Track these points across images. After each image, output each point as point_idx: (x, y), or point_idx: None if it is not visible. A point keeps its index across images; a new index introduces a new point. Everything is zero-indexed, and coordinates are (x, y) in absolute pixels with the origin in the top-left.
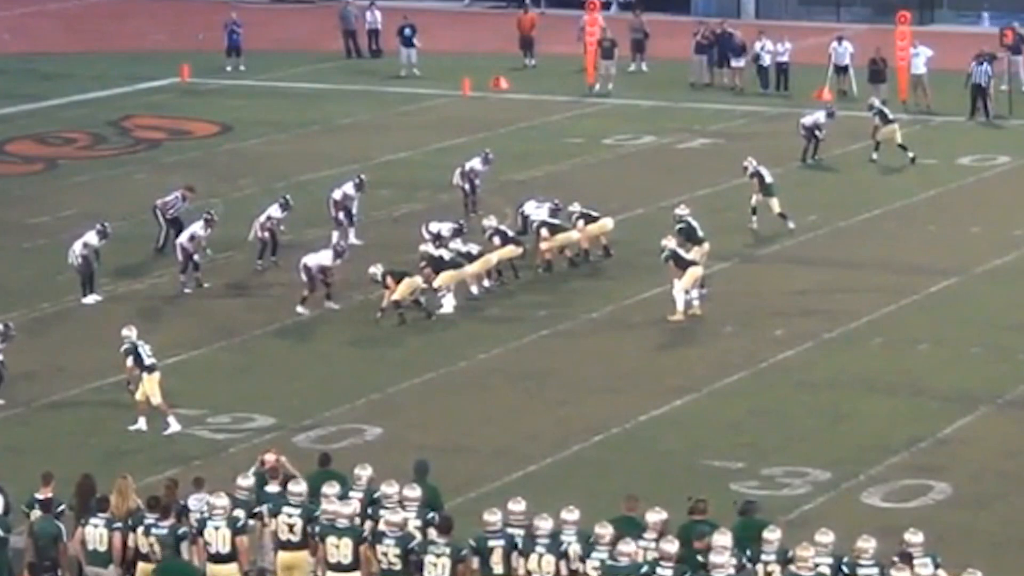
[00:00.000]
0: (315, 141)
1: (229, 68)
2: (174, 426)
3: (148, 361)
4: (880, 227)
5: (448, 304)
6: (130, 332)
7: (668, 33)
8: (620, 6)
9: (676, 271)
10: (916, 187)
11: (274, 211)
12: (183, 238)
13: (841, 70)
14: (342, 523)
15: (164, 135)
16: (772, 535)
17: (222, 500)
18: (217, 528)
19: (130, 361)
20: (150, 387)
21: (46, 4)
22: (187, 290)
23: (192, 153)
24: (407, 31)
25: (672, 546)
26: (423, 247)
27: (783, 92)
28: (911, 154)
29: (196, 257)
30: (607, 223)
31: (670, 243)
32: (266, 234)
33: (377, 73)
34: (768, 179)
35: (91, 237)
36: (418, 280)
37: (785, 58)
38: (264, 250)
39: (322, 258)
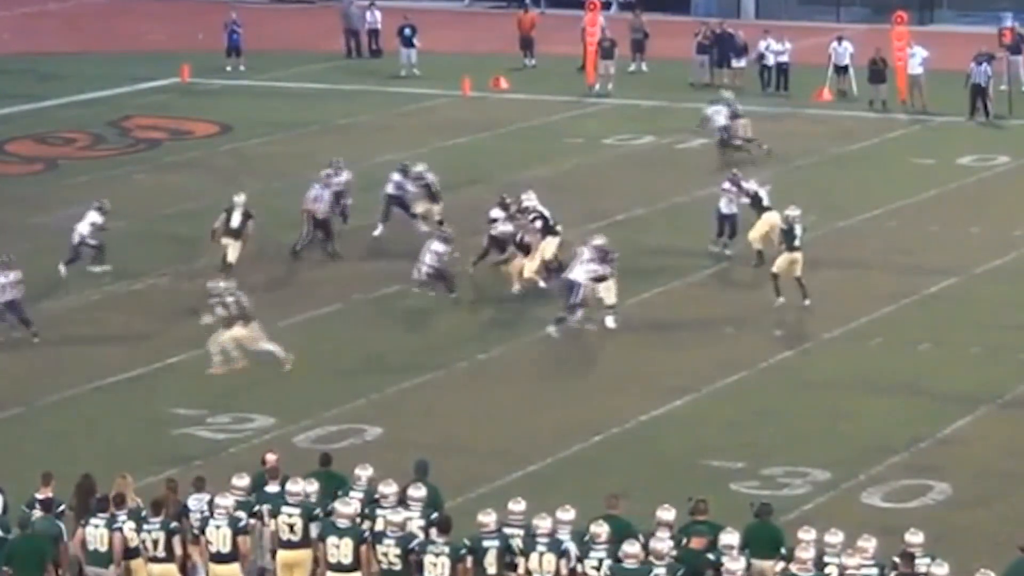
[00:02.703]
0: (315, 141)
1: (229, 68)
2: None
3: None
4: (880, 227)
5: (611, 321)
6: None
7: (668, 33)
8: (620, 6)
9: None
10: (916, 187)
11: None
12: (83, 228)
13: (841, 70)
14: (343, 523)
15: (164, 135)
16: (835, 539)
17: (226, 500)
18: (219, 527)
19: None
20: None
21: (46, 4)
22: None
23: (192, 153)
24: (407, 31)
25: (664, 544)
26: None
27: (783, 92)
28: (758, 145)
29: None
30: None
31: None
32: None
33: (377, 73)
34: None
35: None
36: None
37: (785, 58)
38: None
39: (435, 247)
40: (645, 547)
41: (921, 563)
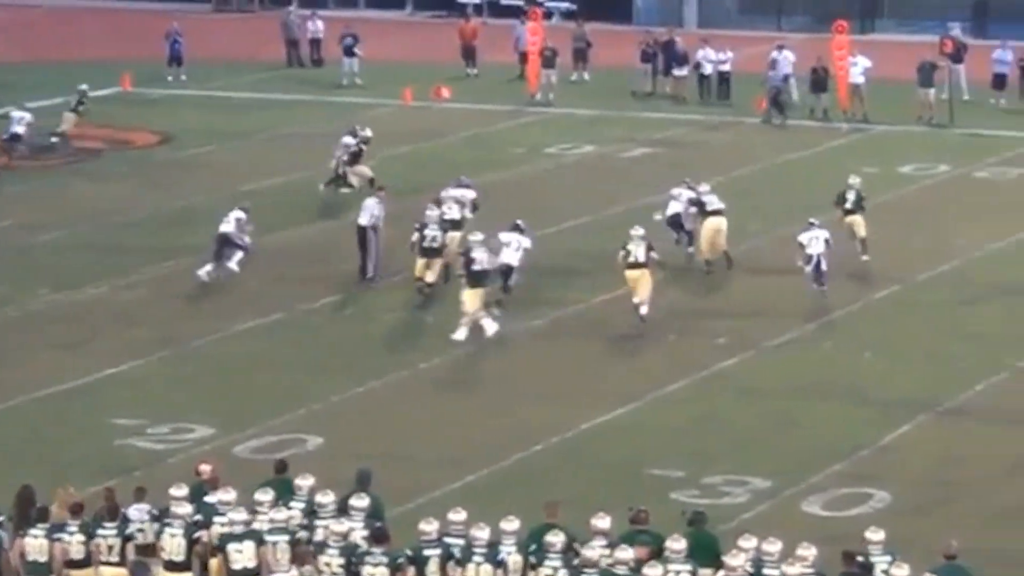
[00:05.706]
0: (258, 151)
1: (171, 78)
2: None
3: None
4: None
5: (491, 327)
6: None
7: (609, 42)
8: (562, 15)
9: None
10: None
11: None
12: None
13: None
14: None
15: (105, 145)
16: (773, 548)
17: (183, 508)
18: (173, 536)
19: None
20: None
21: None
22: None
23: (133, 163)
24: (348, 40)
25: (594, 553)
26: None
27: (725, 101)
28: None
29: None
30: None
31: None
32: None
33: (319, 83)
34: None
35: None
36: None
37: (727, 67)
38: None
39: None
40: (577, 554)
41: (881, 561)
